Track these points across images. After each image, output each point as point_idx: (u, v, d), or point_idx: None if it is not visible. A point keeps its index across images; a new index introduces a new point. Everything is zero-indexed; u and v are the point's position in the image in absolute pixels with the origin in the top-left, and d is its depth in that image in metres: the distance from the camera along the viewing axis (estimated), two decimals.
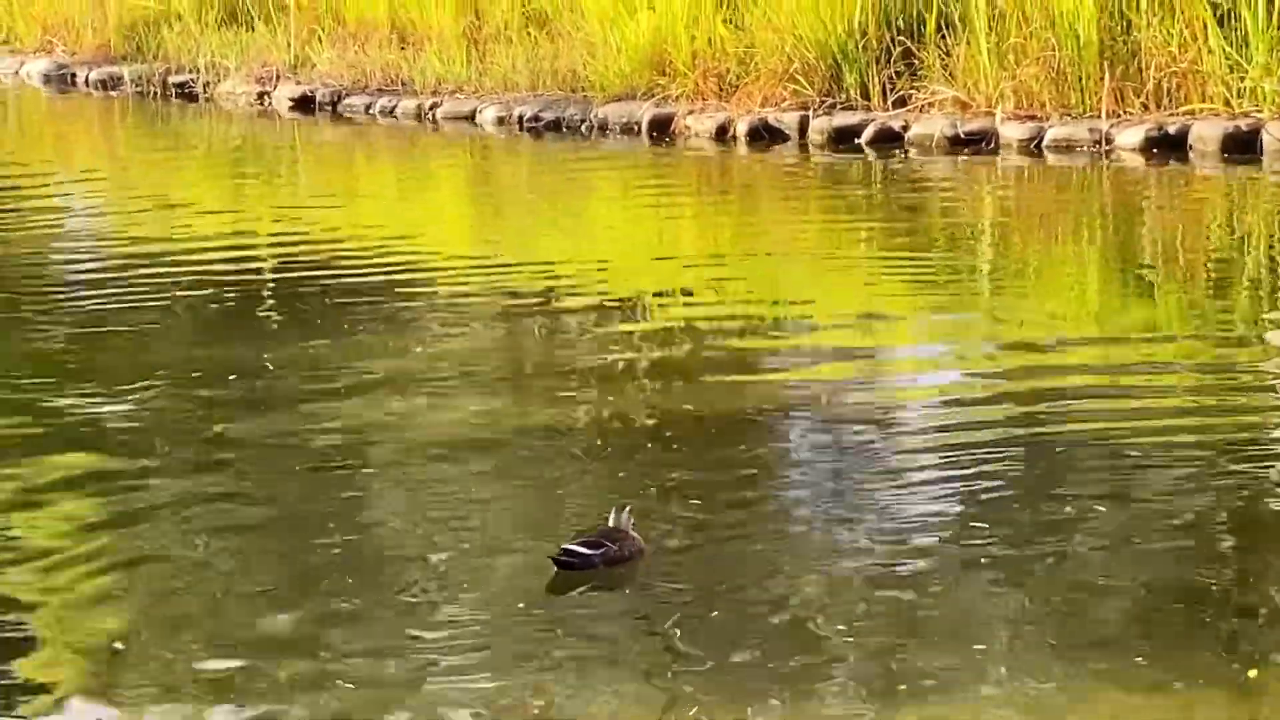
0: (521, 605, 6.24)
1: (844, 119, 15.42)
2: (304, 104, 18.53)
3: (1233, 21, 14.36)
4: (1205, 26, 14.32)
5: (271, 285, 11.51)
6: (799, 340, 9.74)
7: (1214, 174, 13.89)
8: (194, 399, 8.74)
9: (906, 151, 15.02)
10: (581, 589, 6.36)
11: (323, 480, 7.54)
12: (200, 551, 6.83)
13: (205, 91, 19.38)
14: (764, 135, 15.61)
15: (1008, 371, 8.94)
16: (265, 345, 9.84)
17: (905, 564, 6.48)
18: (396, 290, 10.97)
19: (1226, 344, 9.36)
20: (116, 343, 10.04)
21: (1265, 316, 9.91)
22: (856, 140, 15.27)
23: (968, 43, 15.05)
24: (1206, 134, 14.15)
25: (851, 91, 15.50)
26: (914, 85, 15.32)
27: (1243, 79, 14.26)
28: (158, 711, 5.66)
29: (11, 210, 14.38)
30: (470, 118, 17.29)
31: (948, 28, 15.27)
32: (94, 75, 20.60)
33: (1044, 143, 14.59)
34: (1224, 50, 14.25)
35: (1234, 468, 7.39)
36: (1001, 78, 14.87)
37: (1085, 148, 14.48)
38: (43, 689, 5.82)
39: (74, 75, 20.90)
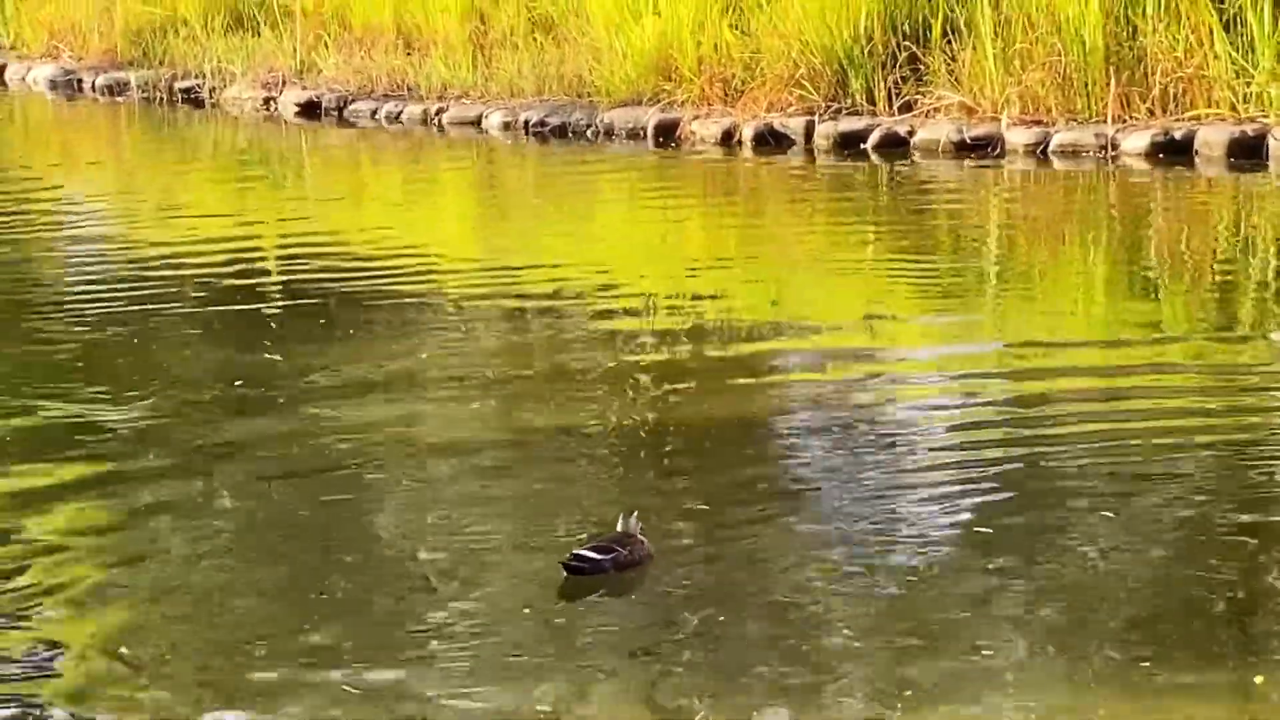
0: (529, 610, 6.24)
1: (849, 124, 15.43)
2: (310, 109, 18.54)
3: (1239, 27, 14.37)
4: (1211, 32, 14.33)
5: (277, 289, 11.52)
6: (805, 344, 9.75)
7: (1220, 179, 13.89)
8: (199, 403, 8.75)
9: (912, 157, 15.02)
10: (591, 594, 6.36)
11: (329, 484, 7.54)
12: (205, 554, 6.84)
13: (211, 97, 19.39)
14: (769, 140, 15.62)
15: (1014, 375, 8.94)
16: (271, 349, 9.85)
17: (911, 568, 6.48)
18: (403, 295, 10.98)
19: (1233, 348, 9.37)
20: (122, 347, 10.05)
21: (1272, 320, 9.91)
22: (862, 145, 15.27)
23: (973, 48, 15.05)
24: (1212, 139, 14.16)
25: (857, 97, 15.51)
26: (920, 90, 15.33)
27: (1249, 84, 14.27)
28: (162, 714, 5.67)
29: (18, 215, 14.40)
30: (476, 123, 17.30)
31: (953, 33, 15.28)
32: (100, 81, 20.62)
33: (1050, 148, 14.60)
34: (1230, 55, 14.26)
35: (1241, 471, 7.39)
36: (1007, 83, 14.88)
37: (1091, 153, 14.49)
38: (47, 691, 5.83)
39: (80, 81, 20.92)
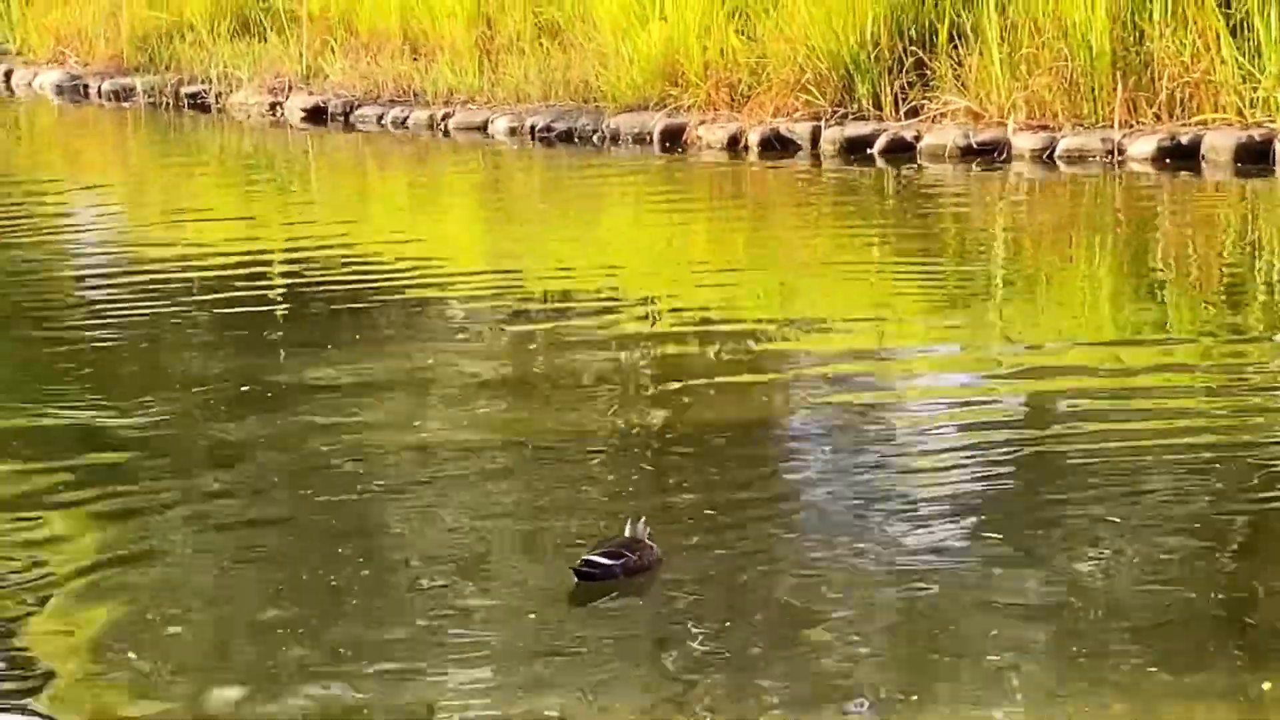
0: (535, 614, 6.24)
1: (856, 129, 15.43)
2: (316, 115, 18.55)
3: (1245, 32, 14.37)
4: (1218, 37, 14.33)
5: (284, 293, 11.52)
6: (812, 348, 9.74)
7: (1227, 184, 13.89)
8: (205, 405, 8.75)
9: (919, 162, 15.02)
10: (598, 599, 6.36)
11: (334, 487, 7.54)
12: (209, 555, 6.84)
13: (218, 102, 19.40)
14: (776, 145, 15.62)
15: (1021, 378, 8.93)
16: (277, 352, 9.85)
17: (917, 573, 6.47)
18: (409, 299, 10.98)
19: (1239, 352, 9.36)
20: (128, 350, 10.06)
21: (1278, 324, 9.91)
22: (869, 150, 15.27)
23: (980, 53, 15.06)
24: (1219, 144, 14.16)
25: (864, 102, 15.51)
26: (926, 95, 15.33)
27: (1255, 89, 14.26)
28: (163, 713, 5.67)
29: (24, 220, 14.40)
30: (482, 128, 17.31)
31: (960, 38, 15.28)
32: (106, 86, 20.63)
33: (1056, 153, 14.60)
34: (1237, 60, 14.26)
35: (1249, 474, 7.38)
36: (1014, 88, 14.88)
37: (1098, 158, 14.49)
38: (52, 697, 5.83)
39: (86, 86, 20.93)
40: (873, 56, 15.42)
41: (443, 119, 17.58)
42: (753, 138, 15.67)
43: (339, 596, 6.44)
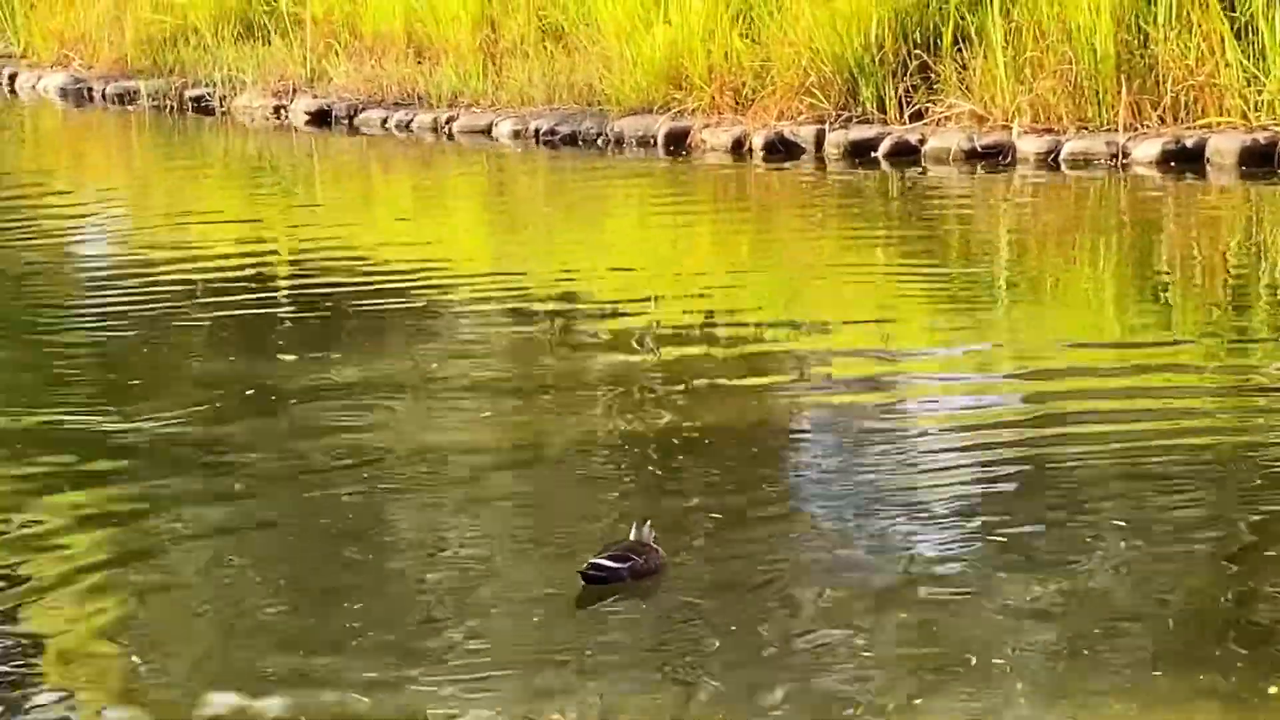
0: (538, 618, 6.24)
1: (860, 132, 15.42)
2: (320, 118, 18.55)
3: (1250, 35, 14.36)
4: (1223, 40, 14.32)
5: (288, 296, 11.52)
6: (817, 351, 9.74)
7: (1232, 187, 13.88)
8: (209, 408, 8.75)
9: (923, 165, 15.02)
10: (603, 603, 6.35)
11: (339, 491, 7.53)
12: (214, 561, 6.84)
13: (222, 105, 19.40)
14: (780, 149, 15.61)
15: (1026, 382, 8.93)
16: (281, 355, 9.86)
17: (924, 578, 6.47)
18: (413, 302, 10.99)
19: (1244, 355, 9.36)
20: (132, 353, 10.06)
21: None
22: (873, 154, 15.27)
23: (984, 56, 15.05)
24: (1224, 147, 14.15)
25: (868, 105, 15.51)
26: (930, 99, 15.33)
27: (1260, 92, 14.26)
28: (163, 712, 5.67)
29: (29, 223, 14.41)
30: (486, 131, 17.31)
31: (964, 41, 15.27)
32: (110, 90, 20.63)
33: (1061, 156, 14.59)
34: (1241, 63, 14.25)
35: (1253, 478, 7.38)
36: (1018, 91, 14.87)
37: (1102, 161, 14.48)
38: (59, 703, 5.83)
39: (90, 90, 20.93)
40: (877, 60, 15.41)
41: (447, 122, 17.58)
42: (757, 141, 15.67)
43: (341, 600, 6.43)
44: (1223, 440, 7.84)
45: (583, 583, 6.43)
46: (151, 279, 12.00)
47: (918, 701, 5.57)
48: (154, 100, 20.09)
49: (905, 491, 7.36)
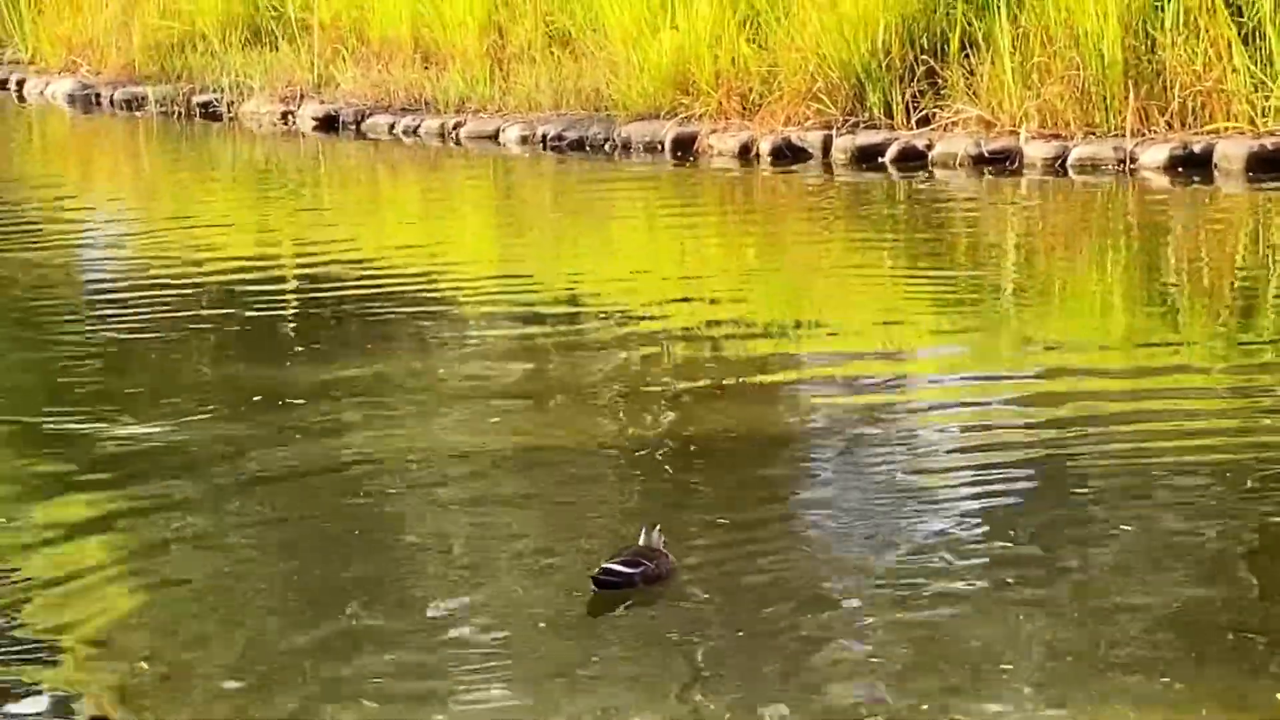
0: (546, 624, 6.24)
1: (867, 138, 15.43)
2: (328, 123, 18.56)
3: (1258, 40, 14.37)
4: (1230, 45, 14.33)
5: (295, 301, 11.54)
6: (823, 359, 9.74)
7: (1239, 192, 13.88)
8: (216, 413, 8.76)
9: (930, 170, 15.02)
10: (611, 609, 6.35)
11: (346, 496, 7.54)
12: (225, 569, 6.84)
13: (229, 111, 19.42)
14: (787, 154, 15.62)
15: (1034, 388, 8.93)
16: (288, 360, 9.87)
17: (930, 583, 6.47)
18: (420, 307, 10.99)
19: (1251, 360, 9.36)
20: (139, 358, 10.07)
21: None
22: (880, 159, 15.27)
23: (992, 62, 15.06)
24: (1231, 153, 14.15)
25: (875, 110, 15.51)
26: (938, 104, 15.33)
27: (1268, 98, 14.25)
28: (169, 715, 5.67)
29: (36, 227, 14.43)
30: (494, 137, 17.32)
31: (971, 47, 15.28)
32: (118, 95, 20.65)
33: (1068, 162, 14.60)
34: (1249, 69, 14.26)
35: (1263, 485, 7.38)
36: (1026, 97, 14.88)
37: (1110, 167, 14.48)
38: (68, 708, 5.84)
39: (98, 95, 20.95)
40: (884, 65, 15.42)
41: (454, 128, 17.59)
42: (764, 146, 15.68)
43: (348, 606, 6.44)
44: (1231, 444, 7.83)
45: (594, 588, 6.43)
46: (159, 283, 12.01)
47: (925, 707, 5.57)
48: (161, 106, 20.10)
49: (914, 496, 7.37)
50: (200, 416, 8.77)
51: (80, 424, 8.78)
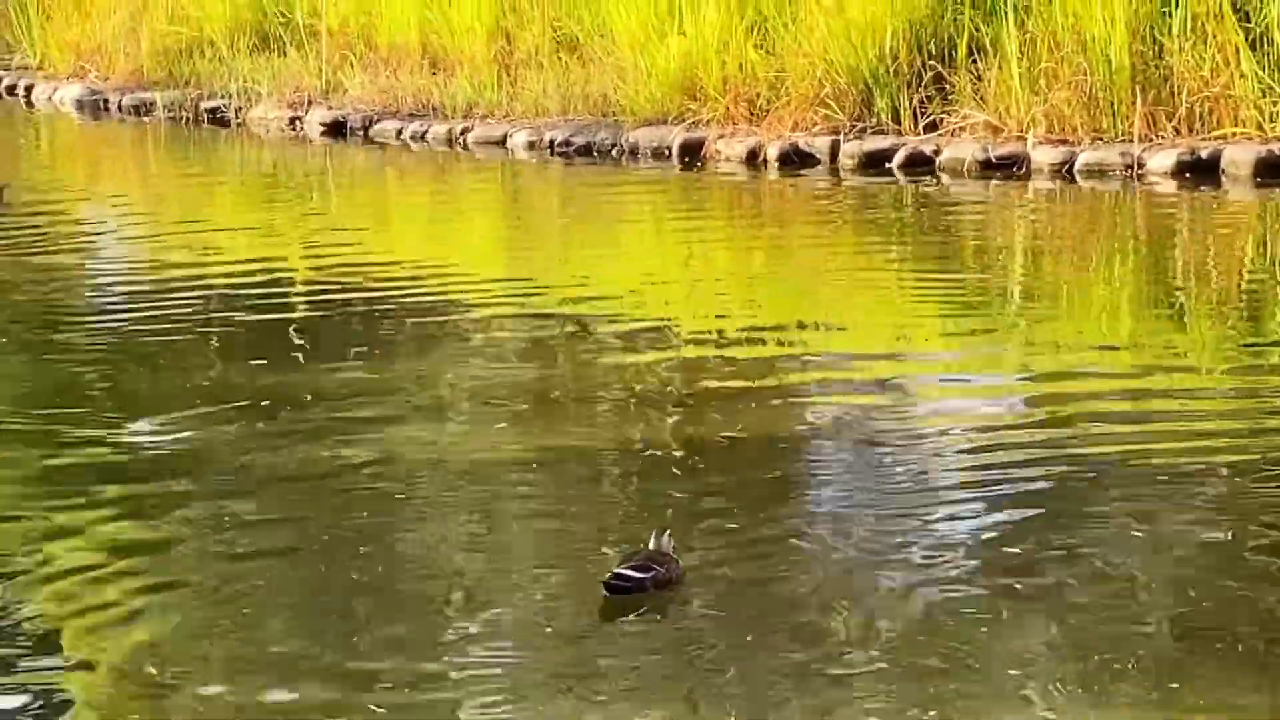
0: (553, 629, 6.24)
1: (875, 143, 15.44)
2: (336, 129, 18.59)
3: (1265, 46, 14.37)
4: (1237, 51, 14.33)
5: (304, 308, 11.55)
6: (830, 364, 9.74)
7: (1246, 198, 13.88)
8: (225, 421, 8.76)
9: (938, 176, 15.03)
10: (620, 615, 6.34)
11: (356, 502, 7.54)
12: (232, 576, 6.84)
13: (237, 117, 19.45)
14: (795, 160, 15.63)
15: (1041, 393, 8.94)
16: (298, 367, 9.88)
17: (937, 589, 6.47)
18: (428, 314, 11.00)
19: (1260, 366, 9.36)
20: (148, 365, 10.07)
21: None
22: (887, 165, 15.28)
23: (999, 67, 15.07)
24: (1239, 158, 14.16)
25: (882, 116, 15.52)
26: (945, 109, 15.34)
27: (1275, 103, 14.25)
28: None
29: (45, 233, 14.44)
30: (501, 142, 17.33)
31: (979, 52, 15.29)
32: (127, 101, 20.69)
33: (1076, 167, 14.60)
34: (1256, 75, 14.26)
35: (1268, 490, 7.38)
36: (1033, 102, 14.88)
37: (1117, 172, 14.49)
38: (72, 710, 5.85)
39: (107, 101, 20.99)
40: (891, 71, 15.43)
41: (461, 133, 17.61)
42: (771, 152, 15.69)
43: (356, 610, 6.44)
44: (1238, 449, 7.83)
45: (605, 593, 6.44)
46: (166, 289, 12.02)
47: (932, 713, 5.58)
48: (170, 112, 20.13)
49: (922, 500, 7.37)
50: (207, 419, 8.77)
51: (87, 426, 8.79)
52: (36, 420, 9.00)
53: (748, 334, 10.44)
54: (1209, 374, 9.25)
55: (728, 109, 16.06)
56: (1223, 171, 14.19)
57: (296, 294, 12.01)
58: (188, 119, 19.93)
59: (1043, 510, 7.24)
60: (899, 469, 7.80)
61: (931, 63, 15.38)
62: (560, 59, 17.51)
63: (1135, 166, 14.42)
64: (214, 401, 9.13)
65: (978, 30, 15.28)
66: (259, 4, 20.03)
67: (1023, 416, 8.55)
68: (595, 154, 16.65)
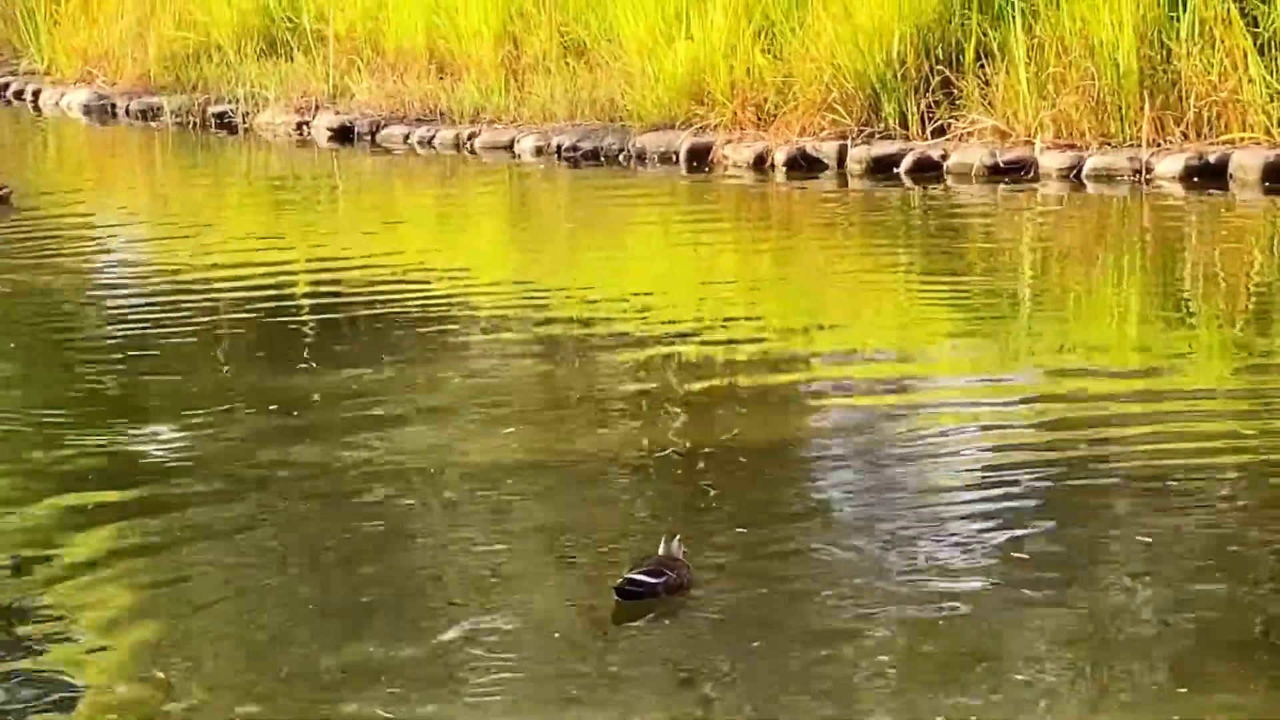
0: (559, 635, 6.24)
1: (882, 148, 15.44)
2: (343, 134, 18.60)
3: (1273, 50, 14.36)
4: (1245, 55, 14.33)
5: (311, 313, 11.55)
6: (839, 368, 9.75)
7: (1255, 202, 13.88)
8: (234, 426, 8.77)
9: (945, 181, 15.03)
10: (630, 620, 6.34)
11: (363, 507, 7.55)
12: (236, 575, 6.85)
13: (244, 122, 19.46)
14: (802, 164, 15.63)
15: (1049, 398, 8.93)
16: (303, 373, 9.88)
17: (946, 594, 6.47)
18: (435, 318, 11.01)
19: (1268, 372, 9.36)
20: (155, 371, 10.08)
21: None
22: (895, 169, 15.28)
23: (1007, 72, 15.06)
24: (1247, 163, 14.15)
25: (890, 121, 15.52)
26: (953, 114, 15.34)
27: None
28: None
29: (52, 238, 14.46)
30: (508, 147, 17.34)
31: (986, 57, 15.28)
32: (134, 106, 20.70)
33: (1084, 172, 14.60)
34: (1265, 79, 14.25)
35: (1276, 496, 7.38)
36: (1041, 107, 14.88)
37: (1125, 177, 14.48)
38: (78, 711, 5.85)
39: (114, 106, 21.00)
40: (899, 75, 15.43)
41: (469, 138, 17.62)
42: (779, 157, 15.69)
43: (361, 612, 6.44)
44: (1245, 455, 7.83)
45: (617, 598, 6.44)
46: (173, 294, 12.03)
47: (939, 719, 5.58)
48: (177, 117, 20.15)
49: (929, 506, 7.37)
50: (215, 422, 8.78)
51: (91, 428, 8.81)
52: (41, 422, 9.02)
53: (755, 339, 10.44)
54: (1218, 375, 9.24)
55: (735, 114, 16.06)
56: (1231, 176, 14.18)
57: (303, 298, 12.01)
58: (195, 124, 19.94)
59: (1052, 513, 7.24)
60: (908, 472, 7.80)
61: (939, 67, 15.37)
62: (568, 64, 17.51)
63: (1143, 171, 14.41)
64: (221, 404, 9.14)
65: (985, 35, 15.28)
66: (266, 9, 20.05)
67: (1031, 419, 8.55)
68: (603, 159, 16.65)
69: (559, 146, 16.91)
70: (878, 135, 15.55)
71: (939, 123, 15.35)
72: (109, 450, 8.54)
